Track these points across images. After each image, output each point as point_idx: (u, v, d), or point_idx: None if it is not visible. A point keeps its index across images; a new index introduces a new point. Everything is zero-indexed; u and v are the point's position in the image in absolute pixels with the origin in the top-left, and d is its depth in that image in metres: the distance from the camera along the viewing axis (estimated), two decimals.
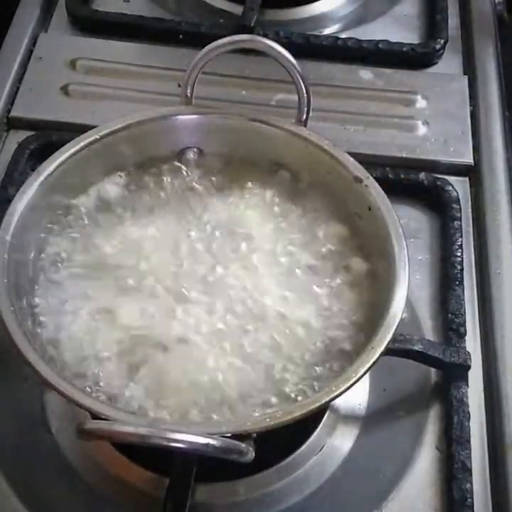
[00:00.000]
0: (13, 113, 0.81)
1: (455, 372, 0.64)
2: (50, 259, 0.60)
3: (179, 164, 0.66)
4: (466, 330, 0.67)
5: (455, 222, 0.73)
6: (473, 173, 0.79)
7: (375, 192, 0.60)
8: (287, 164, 0.65)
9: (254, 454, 0.48)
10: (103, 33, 0.88)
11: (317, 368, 0.55)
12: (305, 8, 0.92)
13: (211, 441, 0.45)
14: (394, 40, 0.86)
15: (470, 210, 0.76)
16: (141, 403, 0.53)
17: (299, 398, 0.53)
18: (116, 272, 0.59)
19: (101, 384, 0.54)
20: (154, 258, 0.60)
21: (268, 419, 0.49)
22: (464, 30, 0.91)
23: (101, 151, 0.62)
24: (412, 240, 0.72)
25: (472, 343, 0.67)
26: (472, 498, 0.59)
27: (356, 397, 0.64)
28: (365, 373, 0.51)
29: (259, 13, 0.87)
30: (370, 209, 0.60)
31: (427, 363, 0.64)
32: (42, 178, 0.59)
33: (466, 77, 0.86)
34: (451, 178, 0.77)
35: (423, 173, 0.76)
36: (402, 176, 0.76)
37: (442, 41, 0.87)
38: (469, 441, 0.61)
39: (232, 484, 0.60)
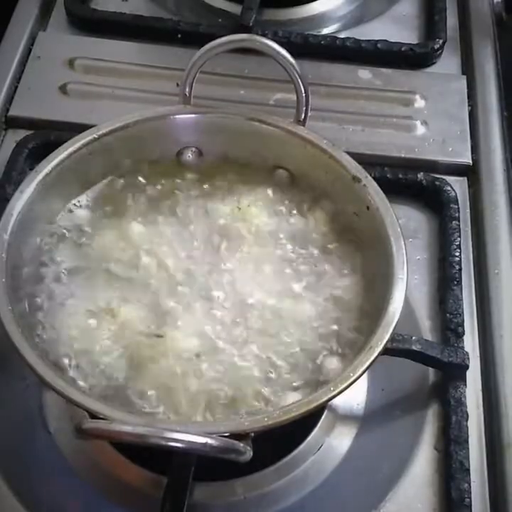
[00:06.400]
0: (12, 112, 0.81)
1: (453, 372, 0.64)
2: (48, 258, 0.60)
3: (178, 163, 0.66)
4: (464, 330, 0.67)
5: (453, 222, 0.73)
6: (471, 173, 0.79)
7: (374, 192, 0.60)
8: (286, 164, 0.65)
9: (252, 454, 0.48)
10: (102, 33, 0.88)
11: (314, 364, 0.55)
12: (304, 7, 0.92)
13: (209, 441, 0.45)
14: (393, 40, 0.86)
15: (468, 210, 0.76)
16: (140, 402, 0.53)
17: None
18: (116, 271, 0.59)
19: (100, 383, 0.54)
20: (154, 257, 0.60)
21: (266, 419, 0.49)
22: (462, 30, 0.91)
23: (99, 150, 0.62)
24: (410, 239, 0.72)
25: (470, 343, 0.68)
26: (470, 498, 0.59)
27: (354, 396, 0.65)
28: (363, 373, 0.51)
29: (258, 12, 0.87)
30: (368, 209, 0.60)
31: (425, 362, 0.64)
32: (40, 177, 0.59)
33: (465, 77, 0.86)
34: (450, 178, 0.77)
35: (421, 173, 0.76)
36: (400, 176, 0.76)
37: (441, 41, 0.87)
38: (467, 441, 0.61)
39: (230, 483, 0.60)
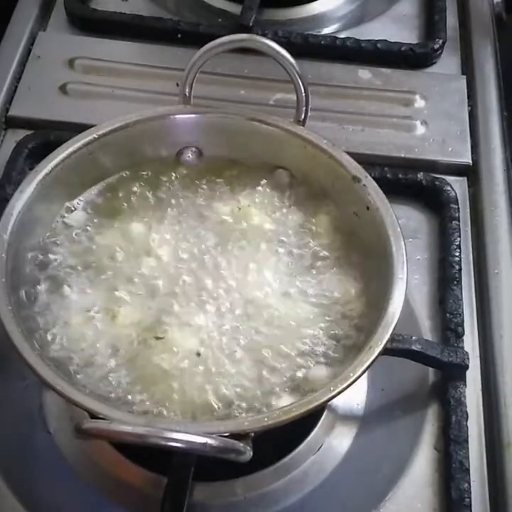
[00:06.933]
0: (12, 112, 0.81)
1: (453, 372, 0.64)
2: (49, 258, 0.60)
3: (178, 163, 0.66)
4: (464, 330, 0.67)
5: (453, 222, 0.73)
6: (471, 172, 0.79)
7: (374, 192, 0.60)
8: (286, 163, 0.65)
9: (252, 454, 0.48)
10: (102, 32, 0.88)
11: (312, 365, 0.55)
12: (304, 7, 0.92)
13: (209, 441, 0.45)
14: (392, 40, 0.87)
15: (468, 210, 0.77)
16: (139, 402, 0.53)
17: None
18: (116, 272, 0.59)
19: (100, 383, 0.54)
20: (154, 257, 0.60)
21: (266, 419, 0.49)
22: (462, 30, 0.91)
23: (99, 150, 0.62)
24: (410, 239, 0.72)
25: (470, 343, 0.68)
26: (470, 498, 0.59)
27: (354, 396, 0.65)
28: (363, 373, 0.51)
29: (258, 12, 0.87)
30: (368, 209, 0.60)
31: (425, 362, 0.64)
32: (40, 177, 0.59)
33: (465, 77, 0.86)
34: (450, 178, 0.77)
35: (421, 173, 0.76)
36: (400, 176, 0.76)
37: (441, 41, 0.87)
38: (467, 441, 0.61)
39: (230, 483, 0.60)
